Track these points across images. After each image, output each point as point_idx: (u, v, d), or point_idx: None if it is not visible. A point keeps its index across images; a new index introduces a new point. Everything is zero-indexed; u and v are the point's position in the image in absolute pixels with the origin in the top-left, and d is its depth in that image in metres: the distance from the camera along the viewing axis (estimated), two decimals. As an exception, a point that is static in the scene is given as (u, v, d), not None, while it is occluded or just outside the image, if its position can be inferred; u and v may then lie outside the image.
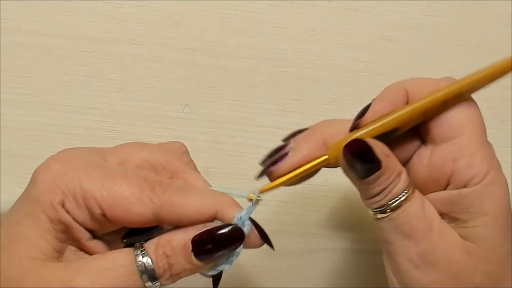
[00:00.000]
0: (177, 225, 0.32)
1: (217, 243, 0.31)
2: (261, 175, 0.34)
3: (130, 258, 0.31)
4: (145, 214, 0.31)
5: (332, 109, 0.48)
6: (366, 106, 0.34)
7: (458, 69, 0.50)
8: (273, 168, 0.34)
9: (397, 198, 0.32)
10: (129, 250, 0.31)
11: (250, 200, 0.33)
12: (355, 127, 0.34)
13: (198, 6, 0.48)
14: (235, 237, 0.32)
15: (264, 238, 0.34)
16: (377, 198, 0.33)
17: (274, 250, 0.34)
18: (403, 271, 0.33)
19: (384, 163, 0.32)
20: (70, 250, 0.32)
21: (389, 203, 0.32)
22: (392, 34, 0.49)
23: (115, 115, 0.46)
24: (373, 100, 0.34)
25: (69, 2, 0.47)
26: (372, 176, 0.32)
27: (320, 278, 0.46)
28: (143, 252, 0.31)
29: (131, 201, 0.31)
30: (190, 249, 0.31)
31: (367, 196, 0.33)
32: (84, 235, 0.32)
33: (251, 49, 0.48)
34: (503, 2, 0.51)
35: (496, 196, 0.32)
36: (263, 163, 0.34)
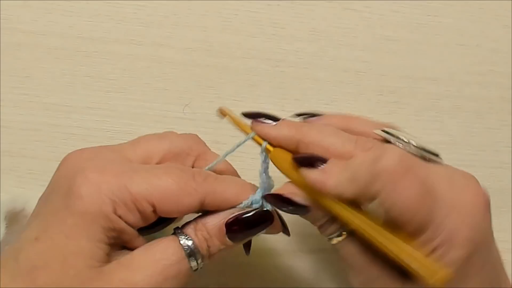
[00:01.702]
0: (217, 210, 0.34)
1: (248, 225, 0.34)
2: (248, 115, 0.37)
3: (177, 245, 0.32)
4: (193, 203, 0.33)
5: (332, 109, 0.48)
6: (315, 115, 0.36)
7: (458, 69, 0.50)
8: (254, 121, 0.36)
9: (334, 235, 0.34)
10: (172, 237, 0.33)
11: (256, 142, 0.35)
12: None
13: (198, 6, 0.48)
14: (264, 219, 0.34)
15: (283, 224, 0.36)
16: (318, 229, 0.34)
17: (289, 236, 0.37)
18: None
19: (310, 209, 0.33)
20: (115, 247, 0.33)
21: (328, 238, 0.34)
22: (392, 34, 0.49)
23: (115, 115, 0.46)
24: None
25: (69, 2, 0.47)
26: (304, 217, 0.34)
27: (320, 278, 0.46)
28: (187, 237, 0.33)
29: (180, 193, 0.32)
30: (225, 232, 0.33)
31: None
32: (134, 234, 0.33)
33: (251, 49, 0.48)
34: (503, 2, 0.51)
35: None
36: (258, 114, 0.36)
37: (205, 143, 0.38)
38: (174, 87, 0.47)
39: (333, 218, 0.33)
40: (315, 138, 0.33)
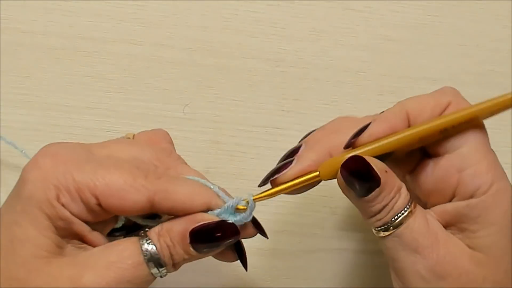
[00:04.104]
0: (171, 214, 0.32)
1: (212, 237, 0.32)
2: (264, 182, 0.34)
3: (136, 248, 0.31)
4: (140, 201, 0.31)
5: (332, 109, 0.48)
6: (364, 126, 0.33)
7: (458, 69, 0.50)
8: (276, 176, 0.34)
9: (400, 214, 0.32)
10: (133, 239, 0.31)
11: (238, 209, 0.33)
12: (350, 145, 0.33)
13: (198, 6, 0.48)
14: (230, 231, 0.32)
15: (258, 227, 0.34)
16: (378, 216, 0.32)
17: (267, 238, 0.35)
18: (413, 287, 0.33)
19: (383, 179, 0.31)
20: (73, 243, 0.32)
21: (392, 220, 0.32)
22: (392, 34, 0.49)
23: (115, 115, 0.46)
24: (372, 120, 0.34)
25: (69, 2, 0.47)
26: (372, 193, 0.32)
27: (320, 278, 0.46)
28: (148, 241, 0.31)
29: (125, 188, 0.31)
30: (188, 241, 0.31)
31: (368, 215, 0.33)
32: (84, 228, 0.31)
33: (251, 49, 0.48)
34: (503, 2, 0.51)
35: (503, 205, 0.32)
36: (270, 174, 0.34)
37: (179, 157, 0.36)
38: (174, 87, 0.47)
39: (400, 188, 0.32)
40: (344, 135, 0.33)
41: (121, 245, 0.31)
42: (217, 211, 0.32)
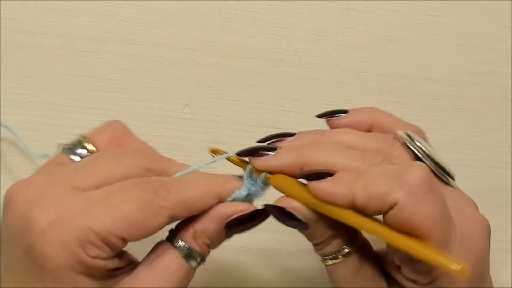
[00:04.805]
0: (189, 216, 0.33)
1: (247, 223, 0.33)
2: (243, 154, 0.35)
3: (179, 259, 0.32)
4: (163, 221, 0.31)
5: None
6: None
7: (458, 69, 0.50)
8: (253, 158, 0.34)
9: (329, 256, 0.33)
10: (174, 253, 0.32)
11: (231, 160, 0.35)
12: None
13: (198, 6, 0.48)
14: (259, 216, 0.33)
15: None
16: (313, 246, 0.34)
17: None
18: None
19: (311, 226, 0.32)
20: (109, 276, 0.32)
21: (322, 258, 0.34)
22: (392, 34, 0.49)
23: (115, 115, 0.46)
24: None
25: (69, 2, 0.47)
26: (302, 232, 0.33)
27: (320, 278, 0.46)
28: (186, 248, 0.32)
29: (145, 217, 0.30)
30: (225, 234, 0.33)
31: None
32: (115, 262, 0.31)
33: (251, 49, 0.48)
34: (503, 2, 0.51)
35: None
36: (252, 149, 0.35)
37: (160, 156, 0.35)
38: (174, 87, 0.47)
39: (334, 236, 0.33)
40: (318, 159, 0.32)
41: (163, 260, 0.32)
42: (239, 194, 0.34)
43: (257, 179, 0.34)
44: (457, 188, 0.34)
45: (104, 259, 0.30)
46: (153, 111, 0.47)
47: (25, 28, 0.46)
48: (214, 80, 0.47)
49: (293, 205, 0.32)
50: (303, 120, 0.47)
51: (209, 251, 0.33)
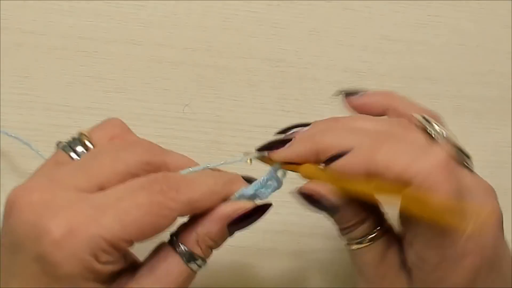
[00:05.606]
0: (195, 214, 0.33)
1: (249, 220, 0.33)
2: (261, 149, 0.35)
3: (181, 264, 0.32)
4: (172, 221, 0.31)
5: (332, 109, 0.48)
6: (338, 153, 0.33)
7: (458, 69, 0.50)
8: (270, 151, 0.35)
9: (356, 241, 0.33)
10: (175, 258, 0.32)
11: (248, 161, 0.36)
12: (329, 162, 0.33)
13: (198, 6, 0.48)
14: (260, 211, 0.34)
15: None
16: (339, 231, 0.34)
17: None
18: None
19: (341, 209, 0.32)
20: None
21: (348, 242, 0.34)
22: (392, 34, 0.49)
23: (115, 115, 0.46)
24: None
25: (69, 2, 0.47)
26: (330, 217, 0.33)
27: (320, 278, 0.46)
28: (190, 254, 0.32)
29: (155, 220, 0.30)
30: (228, 235, 0.33)
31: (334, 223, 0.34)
32: (121, 264, 0.31)
33: (251, 49, 0.48)
34: (503, 2, 0.51)
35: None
36: (266, 144, 0.35)
37: (162, 149, 0.35)
38: (174, 87, 0.47)
39: (363, 220, 0.33)
40: (332, 142, 0.32)
41: (164, 266, 0.32)
42: (245, 191, 0.34)
43: (280, 173, 0.35)
44: (476, 174, 0.34)
45: (112, 263, 0.30)
46: (153, 111, 0.47)
47: (25, 28, 0.46)
48: (214, 80, 0.47)
49: (322, 189, 0.32)
50: (303, 120, 0.47)
51: (211, 253, 0.33)
